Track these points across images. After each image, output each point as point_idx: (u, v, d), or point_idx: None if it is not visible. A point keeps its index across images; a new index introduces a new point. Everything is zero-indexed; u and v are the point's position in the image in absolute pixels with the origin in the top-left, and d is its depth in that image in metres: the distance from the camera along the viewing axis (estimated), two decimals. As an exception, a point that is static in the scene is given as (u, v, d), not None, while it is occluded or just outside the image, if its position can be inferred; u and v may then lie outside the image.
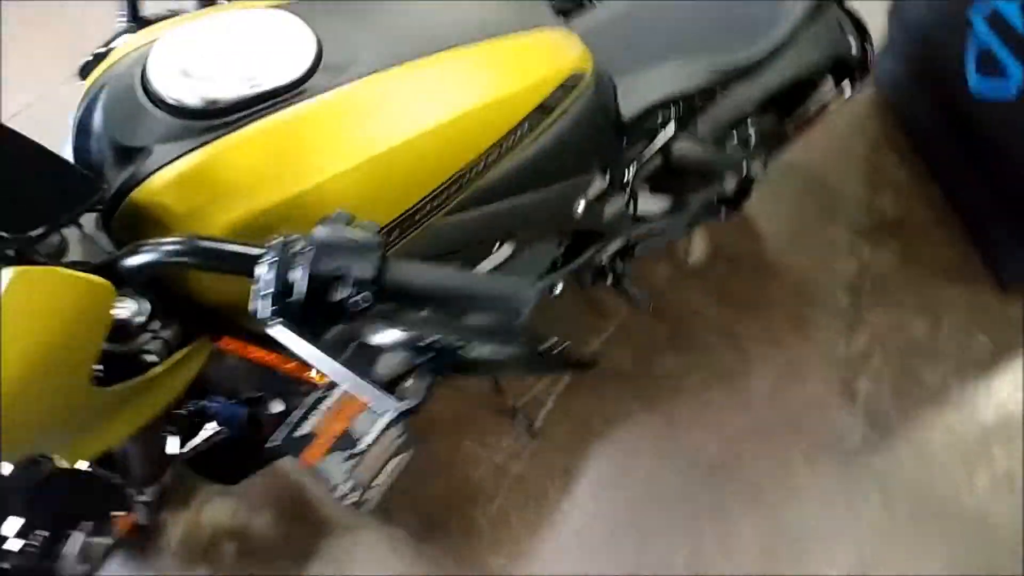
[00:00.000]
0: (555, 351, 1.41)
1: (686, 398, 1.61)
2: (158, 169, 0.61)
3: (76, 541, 0.66)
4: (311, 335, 0.49)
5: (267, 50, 0.68)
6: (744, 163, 1.46)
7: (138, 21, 1.57)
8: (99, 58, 1.56)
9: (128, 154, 0.63)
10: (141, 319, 0.60)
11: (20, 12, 2.23)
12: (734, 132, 1.49)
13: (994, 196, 1.75)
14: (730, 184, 1.56)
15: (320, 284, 0.48)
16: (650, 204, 1.46)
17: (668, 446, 1.55)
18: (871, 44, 1.43)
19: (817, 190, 1.98)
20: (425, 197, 0.71)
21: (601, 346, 1.71)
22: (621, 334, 1.72)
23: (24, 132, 0.61)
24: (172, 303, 0.63)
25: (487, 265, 0.93)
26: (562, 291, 1.30)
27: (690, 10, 1.04)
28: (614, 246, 1.43)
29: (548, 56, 0.81)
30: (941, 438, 1.56)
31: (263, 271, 0.49)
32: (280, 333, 0.49)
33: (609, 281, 1.51)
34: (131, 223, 0.63)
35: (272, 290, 0.48)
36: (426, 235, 0.75)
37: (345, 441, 0.78)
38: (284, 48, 0.68)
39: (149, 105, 0.64)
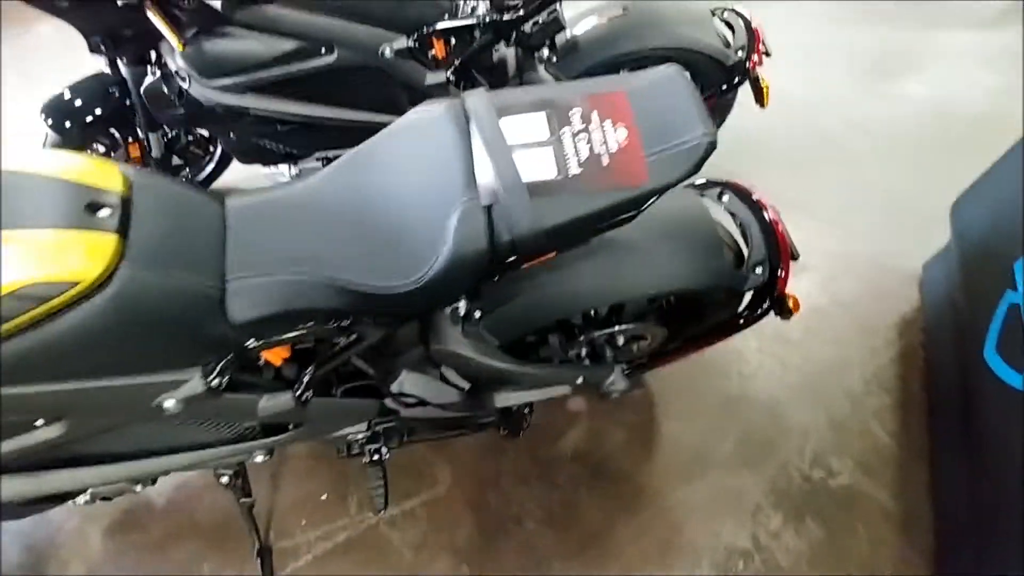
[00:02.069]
0: None
1: (446, 627, 1.29)
2: None
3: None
4: None
5: None
6: (579, 375, 1.13)
7: (63, 133, 1.54)
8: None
9: None
10: None
11: None
12: (592, 337, 1.17)
13: (981, 515, 1.19)
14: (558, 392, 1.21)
15: None
16: (432, 392, 1.15)
17: None
18: (785, 268, 1.10)
19: (757, 411, 1.50)
20: None
21: (395, 516, 1.42)
22: (427, 509, 1.42)
23: None
24: None
25: (27, 440, 0.85)
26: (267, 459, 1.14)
27: (359, 219, 0.87)
28: (353, 430, 1.20)
29: None
30: None
31: None
32: None
33: (365, 460, 1.24)
34: None
35: None
36: None
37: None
38: None
39: None
